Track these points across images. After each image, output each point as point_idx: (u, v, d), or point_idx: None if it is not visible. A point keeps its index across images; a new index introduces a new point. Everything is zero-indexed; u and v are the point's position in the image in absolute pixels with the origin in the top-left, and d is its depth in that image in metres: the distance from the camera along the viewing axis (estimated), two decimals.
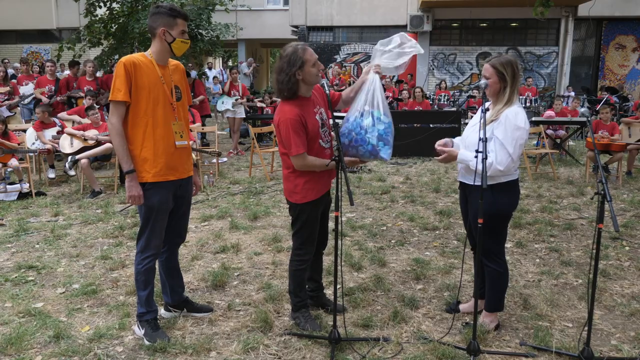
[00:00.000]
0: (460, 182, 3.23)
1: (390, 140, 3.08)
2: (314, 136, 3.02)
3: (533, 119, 9.26)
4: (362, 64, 18.88)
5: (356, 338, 3.11)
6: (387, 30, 18.73)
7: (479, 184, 2.90)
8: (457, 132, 8.89)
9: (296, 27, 19.02)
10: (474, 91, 12.71)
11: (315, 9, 18.45)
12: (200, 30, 10.25)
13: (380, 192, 6.94)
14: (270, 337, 3.18)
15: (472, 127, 3.10)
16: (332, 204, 3.13)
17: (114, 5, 9.70)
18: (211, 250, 4.71)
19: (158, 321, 3.23)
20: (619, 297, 3.74)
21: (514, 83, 2.99)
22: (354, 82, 18.70)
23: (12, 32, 20.10)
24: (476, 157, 2.74)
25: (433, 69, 17.34)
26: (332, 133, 3.12)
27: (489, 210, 2.95)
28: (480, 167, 2.71)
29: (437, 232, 5.28)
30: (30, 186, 6.65)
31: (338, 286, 3.90)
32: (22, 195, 6.54)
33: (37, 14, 19.49)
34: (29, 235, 5.14)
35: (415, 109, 10.94)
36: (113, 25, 9.78)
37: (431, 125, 9.52)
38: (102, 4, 9.59)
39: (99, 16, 9.84)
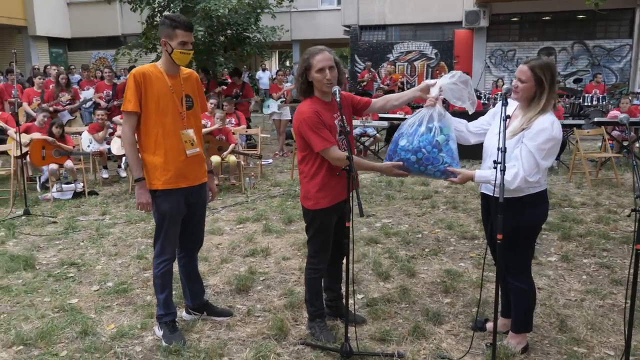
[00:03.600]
0: (482, 193, 3.09)
1: (458, 159, 2.98)
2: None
3: (596, 119, 8.72)
4: (415, 63, 18.57)
5: (369, 353, 3.05)
6: (441, 28, 18.31)
7: (507, 196, 2.77)
8: None
9: (348, 26, 18.95)
10: None
11: (367, 8, 18.30)
12: (247, 34, 10.42)
13: (421, 197, 6.78)
14: (284, 345, 3.18)
15: (495, 135, 2.93)
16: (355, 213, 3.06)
17: (166, 13, 10.08)
18: (241, 254, 4.77)
19: (177, 323, 3.31)
20: None
21: (552, 89, 2.79)
22: (407, 81, 18.36)
23: (83, 39, 21.29)
24: (495, 167, 2.59)
25: (490, 67, 16.75)
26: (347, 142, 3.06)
27: (514, 224, 2.79)
28: (507, 177, 2.57)
29: (475, 241, 5.09)
30: (84, 186, 7.01)
31: (360, 296, 3.89)
32: (77, 195, 6.91)
33: (105, 22, 20.57)
34: (77, 232, 5.42)
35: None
36: None
37: None
38: (159, 14, 9.95)
39: (154, 23, 10.22)
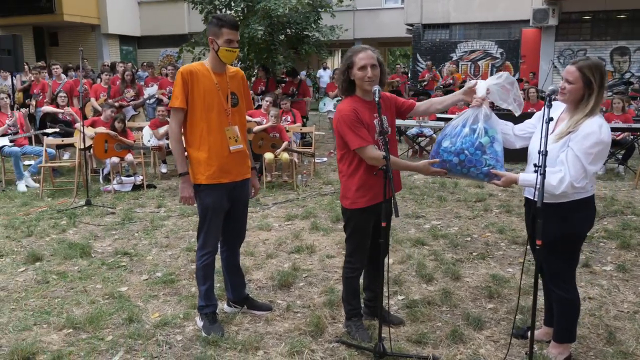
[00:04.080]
0: (526, 198, 2.97)
1: (503, 161, 2.90)
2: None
3: None
4: (479, 62, 18.07)
5: (403, 354, 3.00)
6: (508, 26, 17.70)
7: (548, 201, 2.66)
8: None
9: (411, 25, 18.70)
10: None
11: (431, 7, 17.99)
12: (306, 33, 10.52)
13: (474, 199, 6.59)
14: (320, 342, 3.19)
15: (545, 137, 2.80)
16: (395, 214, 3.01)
17: (228, 12, 10.33)
18: (287, 250, 4.83)
19: (217, 315, 3.40)
20: None
21: (601, 91, 2.64)
22: (471, 79, 18.02)
23: (152, 37, 22.22)
24: (536, 171, 2.48)
25: (557, 67, 16.01)
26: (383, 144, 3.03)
27: (556, 231, 2.69)
28: (545, 182, 2.46)
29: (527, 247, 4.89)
30: (143, 179, 7.33)
31: (401, 297, 3.83)
32: (136, 187, 7.23)
33: (173, 20, 21.36)
34: (133, 224, 5.67)
35: (529, 110, 10.20)
36: None
37: None
38: (218, 12, 10.24)
39: None
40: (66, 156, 8.70)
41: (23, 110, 7.81)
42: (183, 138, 3.22)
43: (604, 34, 15.59)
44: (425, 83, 15.35)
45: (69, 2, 18.92)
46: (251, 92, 12.20)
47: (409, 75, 18.45)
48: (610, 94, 10.49)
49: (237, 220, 3.39)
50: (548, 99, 2.64)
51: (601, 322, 3.39)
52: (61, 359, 2.97)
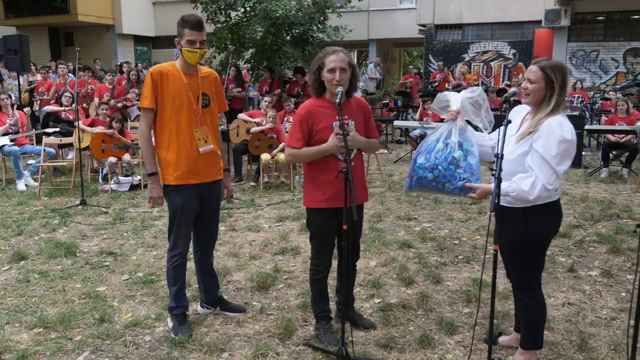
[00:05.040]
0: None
1: (479, 174, 2.83)
2: (324, 139, 2.96)
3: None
4: (491, 63, 17.85)
5: (366, 358, 2.96)
6: (521, 27, 17.45)
7: (513, 205, 2.65)
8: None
9: (423, 25, 18.57)
10: (610, 93, 11.25)
11: (443, 7, 17.82)
12: (310, 34, 10.50)
13: (470, 202, 6.49)
14: (287, 345, 3.16)
15: (507, 140, 2.74)
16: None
17: (233, 13, 10.37)
18: (272, 252, 4.81)
19: (187, 316, 3.39)
20: None
21: (562, 92, 2.61)
22: (482, 82, 17.67)
23: (166, 37, 22.40)
24: (493, 175, 2.43)
25: (570, 68, 15.73)
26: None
27: (520, 236, 2.67)
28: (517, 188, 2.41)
29: None
30: (140, 179, 7.39)
31: (378, 300, 3.79)
32: (133, 187, 7.29)
33: None
34: (124, 223, 5.71)
35: None
36: (237, 31, 10.42)
37: None
38: (222, 12, 10.28)
39: (226, 23, 10.55)
40: (70, 156, 8.81)
41: (26, 109, 7.89)
42: (153, 139, 3.23)
43: (618, 35, 15.27)
44: (436, 84, 15.22)
45: (84, 2, 19.21)
46: (257, 93, 12.24)
47: (422, 76, 18.32)
48: (618, 96, 10.29)
49: (208, 222, 3.38)
50: (507, 100, 2.59)
51: (575, 328, 3.32)
52: (26, 358, 2.99)
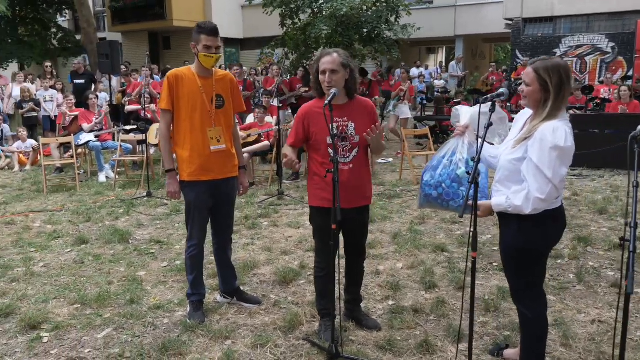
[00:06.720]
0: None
1: (487, 191, 2.78)
2: (320, 141, 3.06)
3: None
4: (586, 58, 16.64)
5: (353, 357, 3.00)
6: (621, 17, 16.10)
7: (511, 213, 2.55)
8: None
9: (510, 19, 17.72)
10: None
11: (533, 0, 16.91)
12: (377, 32, 10.49)
13: None
14: (288, 338, 3.28)
15: (505, 151, 2.63)
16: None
17: (302, 16, 10.66)
18: (304, 248, 4.94)
19: (203, 303, 3.63)
20: None
21: (559, 95, 2.45)
22: (575, 79, 16.59)
23: (253, 39, 23.34)
24: (470, 182, 2.38)
25: None
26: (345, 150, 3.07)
27: (515, 244, 2.58)
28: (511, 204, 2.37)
29: (559, 260, 4.54)
30: None
31: (391, 302, 3.79)
32: None
33: (272, 23, 21.92)
34: (179, 215, 6.13)
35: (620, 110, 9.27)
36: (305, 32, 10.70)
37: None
38: (294, 15, 10.59)
39: (294, 25, 10.88)
40: (152, 150, 9.53)
41: (104, 108, 8.71)
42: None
43: None
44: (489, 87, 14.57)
45: (179, 8, 20.56)
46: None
47: (507, 73, 17.52)
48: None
49: (222, 217, 3.60)
50: (491, 102, 2.50)
51: (597, 349, 3.09)
52: (59, 329, 3.39)
